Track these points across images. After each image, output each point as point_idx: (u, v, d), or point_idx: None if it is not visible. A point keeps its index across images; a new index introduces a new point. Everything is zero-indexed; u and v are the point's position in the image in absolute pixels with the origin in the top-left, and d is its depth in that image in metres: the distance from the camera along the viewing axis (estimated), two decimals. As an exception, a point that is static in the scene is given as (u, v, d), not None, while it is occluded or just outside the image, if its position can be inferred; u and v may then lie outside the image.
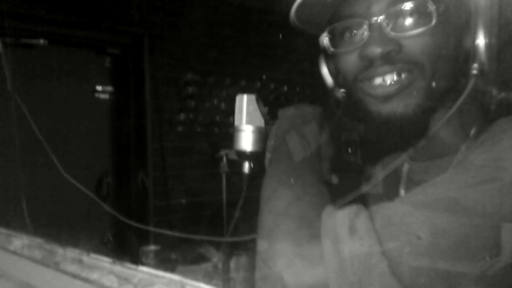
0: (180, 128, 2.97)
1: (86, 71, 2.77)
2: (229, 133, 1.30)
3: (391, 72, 0.61)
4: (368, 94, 0.63)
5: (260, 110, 1.28)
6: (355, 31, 0.63)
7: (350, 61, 0.64)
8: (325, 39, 0.69)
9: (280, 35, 3.43)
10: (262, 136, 1.26)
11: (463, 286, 0.52)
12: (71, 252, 0.66)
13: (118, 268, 0.60)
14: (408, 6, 0.59)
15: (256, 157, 1.24)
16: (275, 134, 0.74)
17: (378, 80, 0.62)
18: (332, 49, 0.67)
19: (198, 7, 3.04)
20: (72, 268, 0.59)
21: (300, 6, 0.69)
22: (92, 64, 2.83)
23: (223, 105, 3.13)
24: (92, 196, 1.05)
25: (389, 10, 0.60)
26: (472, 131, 0.64)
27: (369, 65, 0.62)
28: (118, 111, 2.90)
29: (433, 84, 0.61)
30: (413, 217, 0.54)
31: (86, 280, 0.53)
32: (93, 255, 0.65)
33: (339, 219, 0.56)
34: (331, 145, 0.83)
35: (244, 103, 1.27)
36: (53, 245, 0.66)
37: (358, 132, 0.84)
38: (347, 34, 0.65)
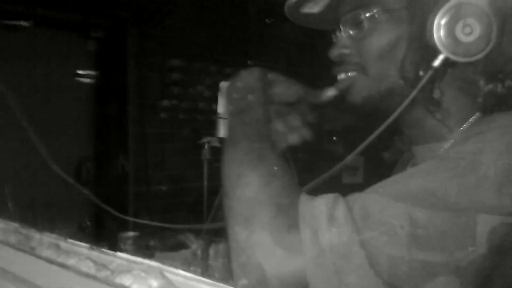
0: (163, 115, 2.95)
1: (69, 54, 2.72)
2: (213, 121, 1.29)
3: (343, 71, 0.73)
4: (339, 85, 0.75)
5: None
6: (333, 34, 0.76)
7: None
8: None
9: (267, 21, 3.41)
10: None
11: (439, 276, 0.53)
12: (48, 237, 0.65)
13: (96, 254, 0.59)
14: (350, 15, 0.70)
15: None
16: (228, 111, 0.74)
17: (339, 76, 0.74)
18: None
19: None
20: (48, 253, 0.58)
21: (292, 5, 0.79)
22: (75, 47, 2.77)
23: (207, 92, 3.11)
24: (71, 182, 1.03)
25: (344, 19, 0.71)
26: (459, 122, 0.66)
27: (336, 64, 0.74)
28: (100, 95, 2.86)
29: (379, 79, 0.68)
30: (392, 208, 0.55)
31: (62, 265, 0.52)
32: (70, 241, 0.64)
33: (318, 207, 0.56)
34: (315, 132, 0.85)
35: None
36: (29, 230, 0.65)
37: (341, 122, 0.88)
38: (332, 35, 0.77)
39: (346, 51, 0.71)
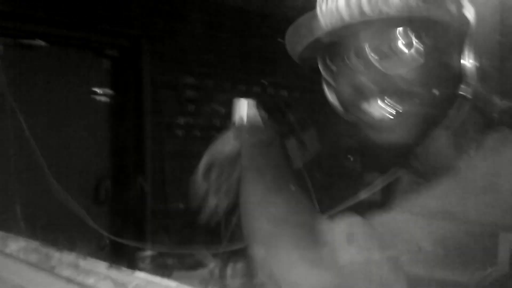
0: (179, 132, 2.97)
1: (85, 73, 2.77)
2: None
3: (379, 101, 0.64)
4: (361, 120, 0.68)
5: (258, 114, 1.28)
6: (347, 59, 0.66)
7: (343, 87, 0.69)
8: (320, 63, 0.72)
9: (280, 39, 3.43)
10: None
11: None
12: (67, 256, 0.65)
13: (114, 273, 0.59)
14: (376, 43, 0.63)
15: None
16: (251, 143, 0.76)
17: (368, 108, 0.66)
18: (327, 72, 0.72)
19: (197, 10, 3.04)
20: (68, 272, 0.59)
21: (293, 31, 0.75)
22: (90, 66, 2.82)
23: (222, 109, 3.13)
24: (72, 204, 1.04)
25: (374, 43, 0.63)
26: (474, 140, 0.65)
27: (360, 94, 0.65)
28: (117, 114, 2.90)
29: (421, 110, 0.63)
30: (413, 226, 0.55)
31: (81, 284, 0.53)
32: (89, 259, 0.64)
33: (338, 227, 0.57)
34: (329, 151, 0.86)
35: (243, 108, 1.27)
36: (49, 249, 0.66)
37: (358, 139, 0.85)
38: (340, 60, 0.68)
39: (379, 79, 0.63)
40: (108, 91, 2.84)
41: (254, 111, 1.27)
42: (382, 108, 0.64)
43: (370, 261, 0.52)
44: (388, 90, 0.63)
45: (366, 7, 0.61)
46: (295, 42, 0.75)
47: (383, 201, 0.74)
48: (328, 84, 0.75)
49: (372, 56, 0.63)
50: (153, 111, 2.87)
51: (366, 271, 0.52)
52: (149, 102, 2.86)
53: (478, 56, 0.61)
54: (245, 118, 1.25)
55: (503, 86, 0.64)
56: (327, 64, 0.71)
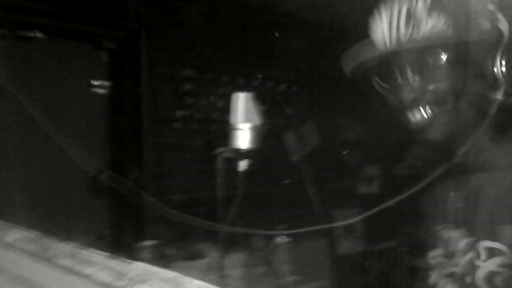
0: (176, 125, 2.96)
1: (83, 66, 2.76)
2: (226, 131, 1.30)
3: (421, 109, 0.79)
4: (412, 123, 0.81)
5: (256, 108, 1.29)
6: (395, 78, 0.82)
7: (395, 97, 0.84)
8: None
9: (278, 33, 3.43)
10: (258, 134, 1.26)
11: None
12: (66, 246, 0.66)
13: (113, 263, 0.59)
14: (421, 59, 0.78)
15: (252, 154, 1.24)
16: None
17: (414, 114, 0.80)
18: (381, 85, 0.86)
19: (196, 3, 3.03)
20: (66, 262, 0.59)
21: (348, 54, 0.88)
22: (88, 58, 2.81)
23: (220, 103, 3.12)
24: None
25: (413, 64, 0.78)
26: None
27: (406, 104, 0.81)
28: (114, 106, 2.89)
29: (452, 115, 0.77)
30: None
31: (79, 274, 0.53)
32: (87, 249, 0.64)
33: None
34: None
35: (241, 102, 1.27)
36: (48, 239, 0.66)
37: (354, 133, 0.93)
38: (391, 79, 0.83)
39: (418, 94, 0.79)
40: (106, 83, 2.84)
41: (252, 105, 1.27)
42: (424, 114, 0.79)
43: None
44: (427, 100, 0.77)
45: (403, 38, 0.76)
46: (349, 62, 0.89)
47: (380, 193, 0.78)
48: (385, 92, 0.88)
49: (412, 74, 0.78)
50: (151, 104, 2.87)
51: None
52: (147, 95, 2.85)
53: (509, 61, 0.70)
54: (242, 112, 1.25)
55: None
56: (377, 81, 0.86)
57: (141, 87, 2.85)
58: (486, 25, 0.72)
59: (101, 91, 2.84)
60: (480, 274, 0.76)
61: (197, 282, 0.53)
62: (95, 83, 2.80)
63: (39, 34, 2.17)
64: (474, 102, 0.75)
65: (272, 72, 3.42)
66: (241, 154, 1.26)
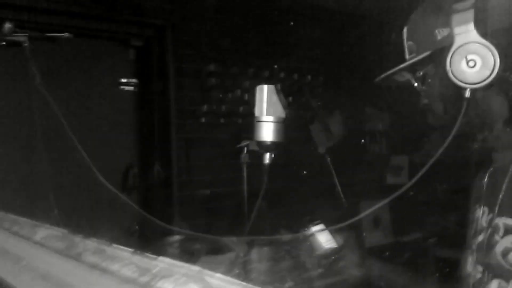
0: (203, 119, 2.99)
1: (110, 64, 2.81)
2: (251, 124, 1.30)
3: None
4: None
5: (281, 100, 1.27)
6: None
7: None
8: None
9: (305, 24, 3.39)
10: (282, 126, 1.25)
11: None
12: (93, 243, 0.67)
13: (138, 258, 0.60)
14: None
15: (276, 147, 1.23)
16: None
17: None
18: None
19: (219, -2, 3.03)
20: (93, 258, 0.60)
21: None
22: (116, 56, 2.86)
23: (246, 96, 3.12)
24: (114, 190, 1.07)
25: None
26: None
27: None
28: (142, 102, 2.93)
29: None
30: None
31: (106, 270, 0.54)
32: (114, 246, 0.66)
33: None
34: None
35: (265, 94, 1.26)
36: (76, 236, 0.68)
37: (382, 122, 0.95)
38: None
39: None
40: (133, 80, 2.88)
41: (276, 97, 1.26)
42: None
43: None
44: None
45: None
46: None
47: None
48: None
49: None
50: (178, 99, 2.90)
51: None
52: (173, 90, 2.88)
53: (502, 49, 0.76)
54: (266, 104, 1.24)
55: None
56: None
57: (168, 83, 2.88)
58: (439, 35, 0.84)
59: (130, 88, 2.88)
60: (498, 249, 0.80)
61: (219, 276, 0.54)
62: (123, 80, 2.84)
63: (67, 35, 2.21)
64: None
65: (297, 64, 3.39)
66: (266, 146, 1.25)
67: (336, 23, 3.50)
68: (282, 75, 3.30)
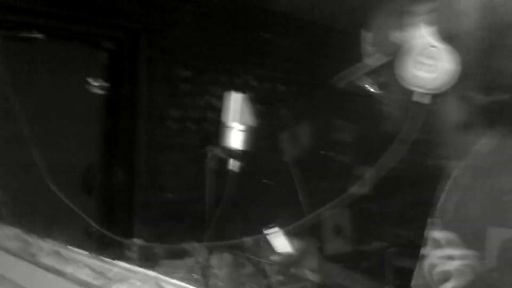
0: (172, 124, 2.97)
1: (81, 65, 2.76)
2: (220, 130, 1.30)
3: None
4: None
5: (250, 109, 1.29)
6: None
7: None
8: None
9: (274, 32, 3.42)
10: (250, 134, 1.26)
11: None
12: (49, 244, 0.66)
13: (94, 261, 0.60)
14: None
15: (243, 155, 1.24)
16: None
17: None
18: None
19: (193, 4, 3.03)
20: (48, 260, 0.59)
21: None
22: (87, 58, 2.81)
23: (216, 102, 3.12)
24: (68, 202, 1.04)
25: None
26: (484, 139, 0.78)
27: None
28: (111, 105, 2.89)
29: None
30: None
31: (60, 273, 0.53)
32: (70, 248, 0.64)
33: None
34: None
35: (234, 102, 1.27)
36: (31, 236, 0.66)
37: (350, 133, 0.95)
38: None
39: None
40: (103, 83, 2.83)
41: (246, 105, 1.27)
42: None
43: None
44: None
45: None
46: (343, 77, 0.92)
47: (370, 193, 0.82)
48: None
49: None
50: (147, 103, 2.87)
51: None
52: (143, 94, 2.85)
53: (461, 54, 0.72)
54: (235, 112, 1.25)
55: (487, 83, 0.69)
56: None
57: (138, 87, 2.85)
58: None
59: (98, 90, 2.84)
60: (426, 264, 0.77)
61: (176, 282, 0.54)
62: (92, 82, 2.80)
63: (38, 35, 2.16)
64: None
65: (269, 72, 3.42)
66: (233, 154, 1.26)
67: (309, 34, 3.56)
68: (254, 83, 3.32)
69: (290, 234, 1.22)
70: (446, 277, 0.71)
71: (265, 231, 1.20)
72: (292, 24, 3.50)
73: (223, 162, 1.28)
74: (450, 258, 0.72)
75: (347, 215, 3.28)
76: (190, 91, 3.04)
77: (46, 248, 0.63)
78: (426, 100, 0.76)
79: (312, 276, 1.18)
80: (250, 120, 1.24)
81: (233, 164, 1.25)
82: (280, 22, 3.47)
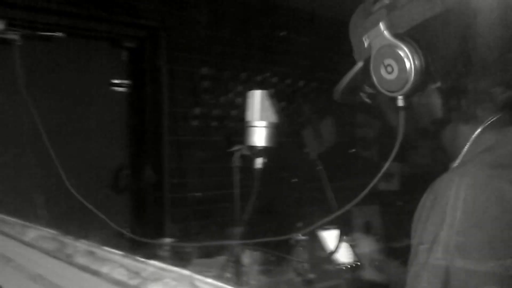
0: (195, 122, 2.98)
1: (103, 65, 2.80)
2: (243, 129, 1.30)
3: None
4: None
5: (273, 106, 1.28)
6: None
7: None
8: None
9: (299, 30, 3.41)
10: (274, 131, 1.26)
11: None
12: (84, 244, 0.67)
13: (129, 261, 0.60)
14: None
15: (268, 152, 1.24)
16: None
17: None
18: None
19: (213, 1, 3.03)
20: (83, 260, 0.60)
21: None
22: (108, 57, 2.85)
23: (238, 100, 3.13)
24: (88, 206, 1.06)
25: None
26: (477, 132, 0.71)
27: None
28: (134, 104, 2.93)
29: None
30: None
31: (95, 272, 0.54)
32: (104, 248, 0.65)
33: None
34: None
35: (257, 99, 1.27)
36: (66, 237, 0.68)
37: (374, 129, 0.92)
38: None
39: None
40: (126, 81, 2.87)
41: (269, 102, 1.26)
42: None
43: None
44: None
45: None
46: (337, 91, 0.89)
47: (400, 189, 0.79)
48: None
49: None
50: (170, 102, 2.89)
51: None
52: (166, 93, 2.88)
53: (475, 49, 0.67)
54: (258, 109, 1.25)
55: (505, 78, 0.65)
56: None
57: (160, 85, 2.87)
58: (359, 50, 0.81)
59: (121, 89, 2.88)
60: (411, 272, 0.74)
61: (210, 281, 0.54)
62: (116, 82, 2.84)
63: (59, 34, 2.20)
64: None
65: (290, 69, 3.40)
66: (257, 152, 1.25)
67: (330, 30, 3.52)
68: (275, 80, 3.31)
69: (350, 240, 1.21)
70: None
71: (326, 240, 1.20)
72: (312, 20, 3.47)
73: (249, 160, 1.28)
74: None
75: (377, 212, 3.25)
76: (212, 89, 3.05)
77: (81, 248, 0.65)
78: (401, 103, 0.70)
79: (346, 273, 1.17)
80: (273, 117, 1.24)
81: (260, 162, 1.25)
82: (300, 19, 3.45)
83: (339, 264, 1.17)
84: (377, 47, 0.71)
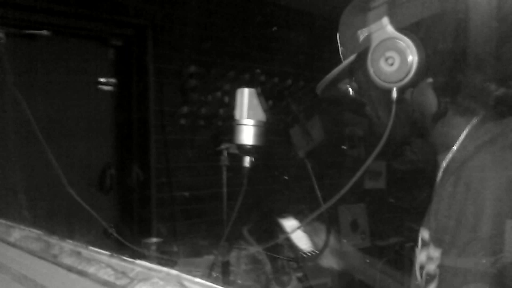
0: (182, 121, 2.97)
1: (89, 63, 2.77)
2: (231, 127, 1.30)
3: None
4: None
5: (261, 104, 1.28)
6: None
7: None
8: None
9: (287, 29, 3.41)
10: (263, 130, 1.26)
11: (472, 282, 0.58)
12: (70, 245, 0.66)
13: (116, 261, 0.60)
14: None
15: (256, 151, 1.23)
16: None
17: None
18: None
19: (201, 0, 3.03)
20: (70, 260, 0.59)
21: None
22: (95, 55, 2.82)
23: (226, 98, 3.12)
24: (86, 207, 1.05)
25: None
26: (467, 128, 0.73)
27: None
28: (121, 103, 2.90)
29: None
30: None
31: (82, 273, 0.53)
32: (91, 248, 0.65)
33: None
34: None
35: (245, 97, 1.26)
36: (52, 237, 0.67)
37: (362, 127, 0.93)
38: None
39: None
40: (112, 80, 2.84)
41: (257, 100, 1.26)
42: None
43: None
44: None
45: None
46: (321, 86, 0.90)
47: (387, 187, 0.78)
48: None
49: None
50: (157, 100, 2.88)
51: None
52: (153, 91, 2.86)
53: (473, 45, 0.69)
54: (246, 108, 1.25)
55: (499, 74, 0.66)
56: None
57: (147, 84, 2.85)
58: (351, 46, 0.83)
59: (108, 88, 2.85)
60: (416, 263, 0.75)
61: (198, 280, 0.53)
62: (103, 80, 2.81)
63: (45, 32, 2.17)
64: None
65: (278, 67, 3.41)
66: (246, 150, 1.25)
67: (318, 28, 3.54)
68: (263, 78, 3.31)
69: (308, 229, 1.22)
70: (430, 278, 0.68)
71: (286, 229, 1.20)
72: (301, 18, 3.48)
73: (237, 159, 1.28)
74: (430, 259, 0.68)
75: (364, 210, 3.27)
76: (200, 87, 3.04)
77: (67, 248, 0.64)
78: (394, 95, 0.73)
79: (332, 271, 1.17)
80: (262, 115, 1.24)
81: (248, 161, 1.25)
82: (289, 16, 3.45)
83: (299, 252, 1.18)
84: (378, 40, 0.74)
